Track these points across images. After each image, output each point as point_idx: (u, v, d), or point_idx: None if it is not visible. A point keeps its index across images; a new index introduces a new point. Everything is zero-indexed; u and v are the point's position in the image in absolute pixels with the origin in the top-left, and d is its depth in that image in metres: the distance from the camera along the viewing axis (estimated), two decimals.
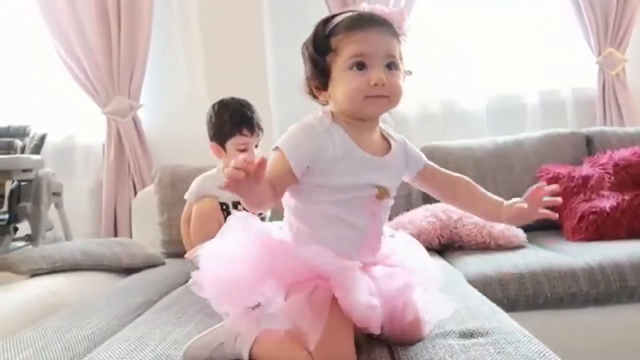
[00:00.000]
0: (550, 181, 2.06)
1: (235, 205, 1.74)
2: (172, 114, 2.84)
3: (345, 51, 0.90)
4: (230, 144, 1.71)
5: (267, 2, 2.74)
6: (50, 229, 2.31)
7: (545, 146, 2.21)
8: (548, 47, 2.76)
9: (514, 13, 2.76)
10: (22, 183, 2.21)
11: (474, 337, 0.91)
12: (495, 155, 2.19)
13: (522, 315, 1.35)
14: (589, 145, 2.23)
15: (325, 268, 0.84)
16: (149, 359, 0.94)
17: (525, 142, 2.23)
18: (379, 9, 0.93)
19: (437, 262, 1.07)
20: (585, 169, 2.05)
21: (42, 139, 2.38)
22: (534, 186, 0.98)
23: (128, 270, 1.89)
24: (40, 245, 2.17)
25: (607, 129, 2.32)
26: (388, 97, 0.91)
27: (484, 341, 0.88)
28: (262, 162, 0.74)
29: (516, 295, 1.54)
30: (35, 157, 2.14)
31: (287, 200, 0.96)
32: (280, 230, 0.97)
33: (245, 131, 1.69)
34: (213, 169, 1.83)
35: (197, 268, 1.44)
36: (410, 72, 0.97)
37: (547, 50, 2.76)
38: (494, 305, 1.15)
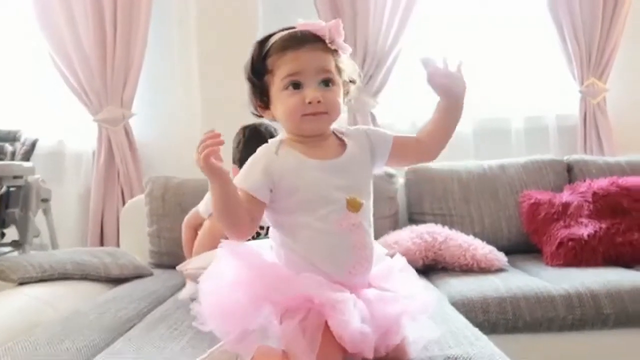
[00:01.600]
0: (532, 207, 2.14)
1: None
2: (164, 125, 2.86)
3: (280, 72, 0.93)
4: None
5: (262, 18, 2.79)
6: (37, 235, 2.31)
7: (528, 172, 2.28)
8: (534, 74, 2.86)
9: (502, 40, 2.84)
10: (11, 189, 2.21)
11: None
12: (481, 178, 2.25)
13: (502, 338, 1.41)
14: (570, 172, 2.32)
15: (318, 297, 0.86)
16: None
17: (509, 168, 2.31)
18: (311, 24, 0.95)
19: (428, 289, 1.07)
20: (566, 196, 2.13)
21: (33, 144, 2.39)
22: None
23: (117, 281, 1.91)
24: (27, 252, 2.17)
25: (587, 157, 2.41)
26: (327, 112, 0.93)
27: None
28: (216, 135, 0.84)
29: (497, 319, 1.60)
30: (27, 164, 2.15)
31: (272, 233, 0.98)
32: (271, 250, 0.98)
33: None
34: None
35: (186, 279, 1.47)
36: (354, 81, 0.99)
37: (533, 77, 2.86)
38: (476, 330, 1.20)
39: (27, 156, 2.33)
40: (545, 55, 2.87)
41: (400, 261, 1.04)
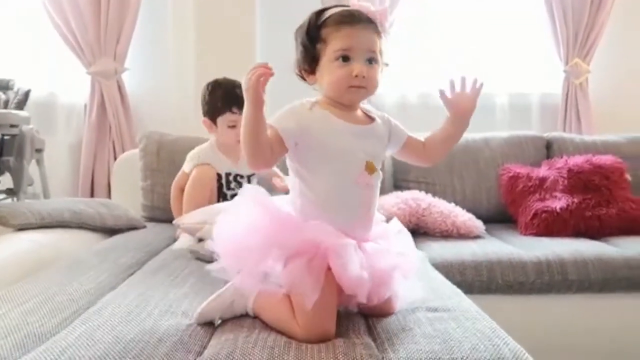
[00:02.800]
0: (511, 179, 2.25)
1: (227, 176, 1.85)
2: (157, 81, 2.88)
3: (334, 43, 1.02)
4: (221, 120, 1.82)
5: None
6: (31, 184, 2.35)
7: (509, 146, 2.39)
8: (521, 52, 2.95)
9: (492, 18, 2.92)
10: (5, 137, 2.24)
11: (437, 312, 1.06)
12: (465, 150, 2.35)
13: (476, 298, 1.50)
14: (549, 149, 2.43)
15: (325, 241, 0.97)
16: (155, 313, 1.05)
17: (492, 141, 2.41)
18: (365, 7, 1.05)
19: (417, 252, 1.20)
20: (543, 171, 2.25)
21: (27, 94, 2.40)
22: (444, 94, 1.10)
23: (111, 231, 1.98)
24: (21, 200, 2.22)
25: (565, 135, 2.53)
26: (366, 87, 1.03)
27: (446, 316, 1.04)
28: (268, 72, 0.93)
29: (472, 280, 1.72)
30: (23, 113, 2.18)
31: (292, 181, 1.09)
32: (287, 205, 1.09)
33: (235, 109, 1.80)
34: (205, 142, 1.92)
35: (181, 233, 1.57)
36: (387, 65, 1.09)
37: (520, 55, 2.95)
38: (454, 287, 1.31)
39: (20, 106, 2.35)
40: (533, 34, 2.95)
41: (397, 224, 1.16)
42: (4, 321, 1.02)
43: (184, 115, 2.77)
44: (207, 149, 1.89)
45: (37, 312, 1.08)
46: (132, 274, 1.44)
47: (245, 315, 1.04)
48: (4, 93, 2.43)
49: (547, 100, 3.00)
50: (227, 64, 2.64)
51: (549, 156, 2.39)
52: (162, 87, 2.87)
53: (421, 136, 1.16)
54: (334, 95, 1.05)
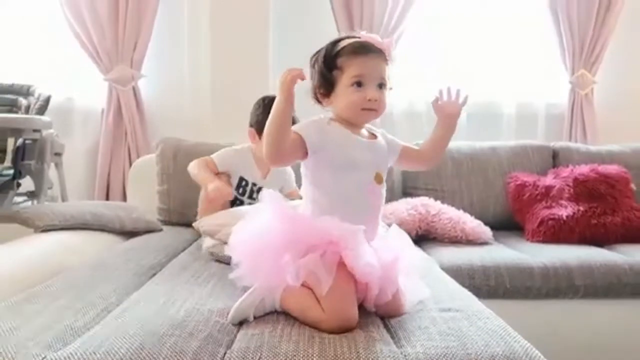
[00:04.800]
0: (518, 187, 2.31)
1: (253, 186, 1.93)
2: (172, 88, 2.95)
3: (349, 71, 1.15)
4: None
5: None
6: (51, 187, 2.42)
7: (516, 155, 2.45)
8: (528, 62, 3.00)
9: (501, 29, 2.98)
10: (27, 141, 2.31)
11: (451, 312, 1.12)
12: (472, 158, 2.41)
13: (484, 302, 1.56)
14: (555, 158, 2.49)
15: (334, 232, 1.07)
16: (183, 310, 1.11)
17: (499, 149, 2.47)
18: (374, 38, 1.18)
19: (419, 253, 1.31)
20: (549, 180, 2.30)
21: (47, 100, 2.48)
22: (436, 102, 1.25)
23: (129, 233, 2.04)
24: (42, 202, 2.29)
25: (571, 145, 2.58)
26: (377, 110, 1.16)
27: (459, 316, 1.09)
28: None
29: (480, 285, 1.78)
30: (45, 118, 2.25)
31: (304, 189, 1.20)
32: (300, 209, 1.20)
33: None
34: (245, 145, 1.99)
35: (201, 235, 1.66)
36: (391, 89, 1.21)
37: (527, 66, 3.01)
38: (465, 290, 1.37)
39: (41, 111, 2.42)
40: (540, 45, 3.01)
41: (395, 228, 1.27)
42: (43, 316, 1.08)
43: (198, 121, 2.84)
44: (240, 154, 1.96)
45: (71, 308, 1.14)
46: (154, 274, 1.49)
47: (270, 313, 1.10)
48: (25, 98, 2.51)
49: (553, 110, 3.06)
50: (241, 72, 2.73)
51: (555, 165, 2.45)
52: (177, 94, 2.94)
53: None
54: (348, 116, 1.18)
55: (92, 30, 2.77)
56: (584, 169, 2.26)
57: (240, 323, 1.06)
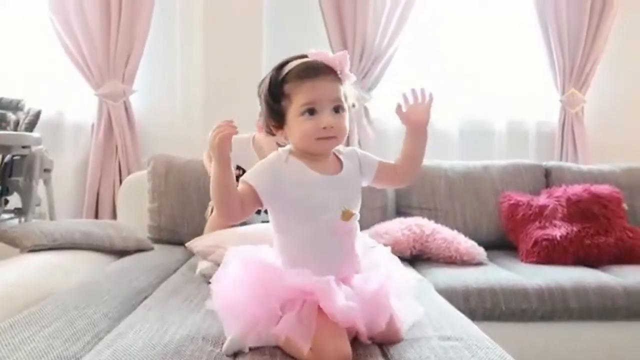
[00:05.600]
0: (511, 207, 2.31)
1: None
2: (164, 103, 2.93)
3: (297, 99, 1.04)
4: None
5: (267, 3, 2.86)
6: (39, 204, 2.37)
7: (509, 174, 2.45)
8: (519, 81, 3.03)
9: (492, 48, 3.00)
10: (15, 157, 2.27)
11: (451, 341, 1.10)
12: (465, 177, 2.41)
13: (480, 325, 1.55)
14: (547, 177, 2.50)
15: (306, 285, 1.01)
16: (177, 338, 1.08)
17: (492, 169, 2.47)
18: (323, 54, 1.08)
19: (411, 274, 1.25)
20: (542, 199, 2.31)
21: (37, 115, 2.42)
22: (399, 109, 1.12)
23: (120, 253, 2.00)
24: (29, 220, 2.24)
25: (563, 164, 2.60)
26: (336, 137, 1.06)
27: (459, 345, 1.07)
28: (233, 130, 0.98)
29: (476, 307, 1.77)
30: (35, 135, 2.21)
31: (273, 235, 1.13)
32: (274, 257, 1.12)
33: None
34: (247, 135, 1.98)
35: (192, 255, 1.61)
36: (354, 106, 1.12)
37: (518, 84, 3.03)
38: (462, 315, 1.35)
39: (31, 126, 2.37)
40: (530, 64, 3.04)
41: (384, 250, 1.20)
42: (30, 345, 1.04)
43: (189, 137, 2.81)
44: (244, 142, 1.95)
45: (60, 336, 1.11)
46: (146, 297, 1.46)
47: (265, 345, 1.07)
48: (14, 113, 2.46)
49: (543, 129, 3.08)
50: (233, 89, 2.71)
51: (547, 184, 2.46)
52: (169, 109, 2.91)
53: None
54: (304, 147, 1.08)
55: (83, 44, 2.75)
56: (576, 189, 2.27)
57: (235, 354, 1.03)
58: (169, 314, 1.26)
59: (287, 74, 1.06)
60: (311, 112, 1.04)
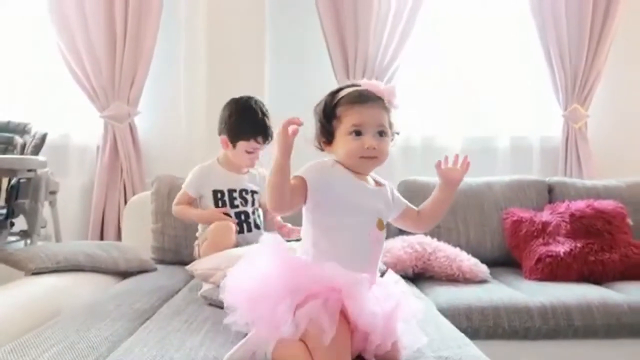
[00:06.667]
0: (514, 224, 2.30)
1: (231, 192, 1.91)
2: (168, 124, 2.96)
3: (347, 120, 1.16)
4: (242, 145, 1.88)
5: (270, 25, 2.90)
6: (44, 226, 2.40)
7: (512, 190, 2.45)
8: (521, 97, 3.04)
9: (495, 64, 3.02)
10: (21, 180, 2.30)
11: None
12: (468, 194, 2.41)
13: (482, 343, 1.54)
14: (550, 193, 2.49)
15: (337, 280, 1.04)
16: None
17: (495, 185, 2.47)
18: (374, 85, 1.20)
19: (415, 296, 1.28)
20: (546, 215, 2.30)
21: (43, 138, 2.47)
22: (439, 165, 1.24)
23: (124, 274, 2.01)
24: (35, 242, 2.26)
25: (567, 180, 2.59)
26: (377, 157, 1.17)
27: None
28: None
29: (479, 325, 1.75)
30: (41, 158, 2.24)
31: (305, 231, 1.19)
32: (300, 253, 1.18)
33: (260, 139, 1.86)
34: (209, 161, 1.99)
35: (194, 277, 1.63)
36: (398, 133, 1.23)
37: (521, 100, 3.04)
38: (462, 335, 1.35)
39: (37, 150, 2.42)
40: (533, 80, 3.05)
41: (393, 275, 1.25)
42: None
43: (194, 158, 2.83)
44: (208, 168, 1.95)
45: None
46: (147, 319, 1.47)
47: None
48: (21, 137, 2.51)
49: (547, 144, 3.07)
50: None
51: (551, 200, 2.45)
52: (173, 131, 2.94)
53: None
54: (349, 164, 1.19)
55: (88, 67, 2.79)
56: (580, 205, 2.26)
57: None
58: (168, 337, 1.26)
59: (340, 98, 1.19)
60: (357, 133, 1.15)
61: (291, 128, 1.06)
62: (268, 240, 1.14)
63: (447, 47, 3.02)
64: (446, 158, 1.25)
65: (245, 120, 1.87)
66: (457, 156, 1.26)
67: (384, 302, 1.09)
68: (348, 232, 1.14)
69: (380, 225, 1.18)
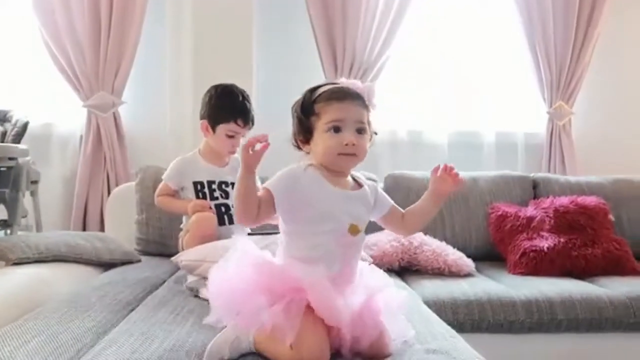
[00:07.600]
0: (499, 218, 2.32)
1: (210, 184, 1.90)
2: (153, 114, 2.92)
3: (325, 116, 1.13)
4: (222, 128, 1.86)
5: (257, 16, 2.87)
6: (25, 216, 2.35)
7: (497, 185, 2.47)
8: (507, 94, 3.07)
9: (481, 61, 3.04)
10: (2, 168, 2.25)
11: (436, 354, 1.10)
12: None
13: (468, 336, 1.55)
14: (535, 188, 2.51)
15: (301, 280, 1.05)
16: (160, 351, 1.07)
17: (480, 180, 2.49)
18: (353, 83, 1.18)
19: (400, 288, 1.27)
20: (530, 211, 2.32)
21: (25, 127, 2.42)
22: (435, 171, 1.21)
23: (107, 265, 1.98)
24: (15, 232, 2.22)
25: (551, 176, 2.62)
26: (356, 155, 1.14)
27: (445, 358, 1.07)
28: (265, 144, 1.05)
29: (464, 319, 1.77)
30: (22, 146, 2.20)
31: (281, 236, 1.18)
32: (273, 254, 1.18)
33: (240, 121, 1.85)
34: (190, 152, 1.98)
35: (179, 268, 1.63)
36: (376, 134, 1.20)
37: (506, 97, 3.07)
38: (449, 327, 1.35)
39: (18, 138, 2.37)
40: (519, 77, 3.08)
41: (377, 270, 1.25)
42: None
43: (178, 149, 2.80)
44: (189, 161, 1.94)
45: (42, 352, 1.09)
46: (131, 310, 1.45)
47: (249, 354, 1.07)
48: (2, 124, 2.46)
49: (531, 140, 3.11)
50: None
51: (535, 195, 2.47)
52: (158, 121, 2.90)
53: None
54: (326, 162, 1.15)
55: (72, 55, 2.74)
56: (564, 201, 2.29)
57: None
58: (154, 328, 1.24)
59: (320, 94, 1.16)
60: (336, 129, 1.12)
61: (259, 145, 1.05)
62: (237, 244, 1.14)
63: (435, 43, 3.03)
64: (445, 166, 1.21)
65: (225, 103, 1.86)
66: (452, 168, 1.20)
67: (351, 296, 1.09)
68: (318, 238, 1.12)
69: (354, 230, 1.14)
